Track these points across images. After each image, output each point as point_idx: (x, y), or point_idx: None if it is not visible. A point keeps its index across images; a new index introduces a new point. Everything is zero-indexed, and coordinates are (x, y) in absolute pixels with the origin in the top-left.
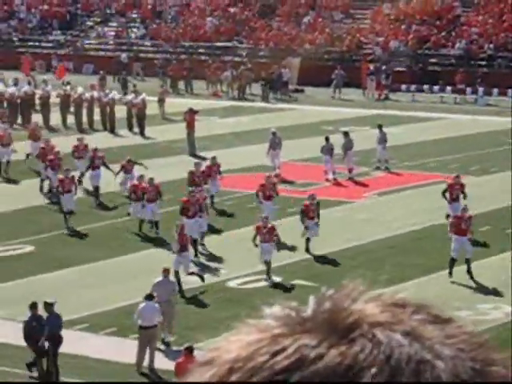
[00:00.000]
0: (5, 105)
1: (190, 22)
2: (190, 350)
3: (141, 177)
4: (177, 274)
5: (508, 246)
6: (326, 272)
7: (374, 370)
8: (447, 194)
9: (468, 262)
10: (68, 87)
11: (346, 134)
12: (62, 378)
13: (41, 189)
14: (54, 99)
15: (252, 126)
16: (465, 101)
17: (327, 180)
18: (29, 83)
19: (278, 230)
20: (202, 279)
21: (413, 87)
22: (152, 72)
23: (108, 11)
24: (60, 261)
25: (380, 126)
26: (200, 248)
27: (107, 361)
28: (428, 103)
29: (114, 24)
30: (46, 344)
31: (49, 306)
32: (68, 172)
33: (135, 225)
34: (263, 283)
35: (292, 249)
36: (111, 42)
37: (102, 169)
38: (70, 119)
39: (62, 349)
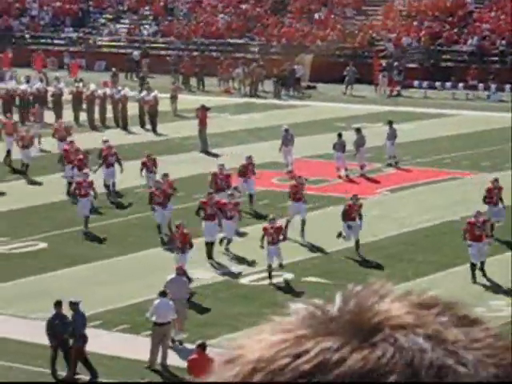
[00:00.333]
0: (16, 102)
1: (201, 19)
2: (202, 346)
3: (164, 175)
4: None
5: None
6: (339, 269)
7: (394, 376)
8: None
9: (482, 261)
10: (80, 84)
11: (358, 130)
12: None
13: (68, 193)
14: (67, 96)
15: (264, 123)
16: (477, 97)
17: (339, 177)
18: (41, 80)
19: (287, 229)
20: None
21: (425, 84)
22: (164, 69)
23: (120, 8)
24: (73, 258)
25: (390, 122)
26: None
27: (120, 357)
28: (440, 99)
29: (126, 21)
30: (70, 342)
31: (74, 305)
32: (87, 175)
33: (149, 222)
34: (275, 280)
35: (304, 246)
36: (123, 39)
37: (116, 166)
38: (83, 116)
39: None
